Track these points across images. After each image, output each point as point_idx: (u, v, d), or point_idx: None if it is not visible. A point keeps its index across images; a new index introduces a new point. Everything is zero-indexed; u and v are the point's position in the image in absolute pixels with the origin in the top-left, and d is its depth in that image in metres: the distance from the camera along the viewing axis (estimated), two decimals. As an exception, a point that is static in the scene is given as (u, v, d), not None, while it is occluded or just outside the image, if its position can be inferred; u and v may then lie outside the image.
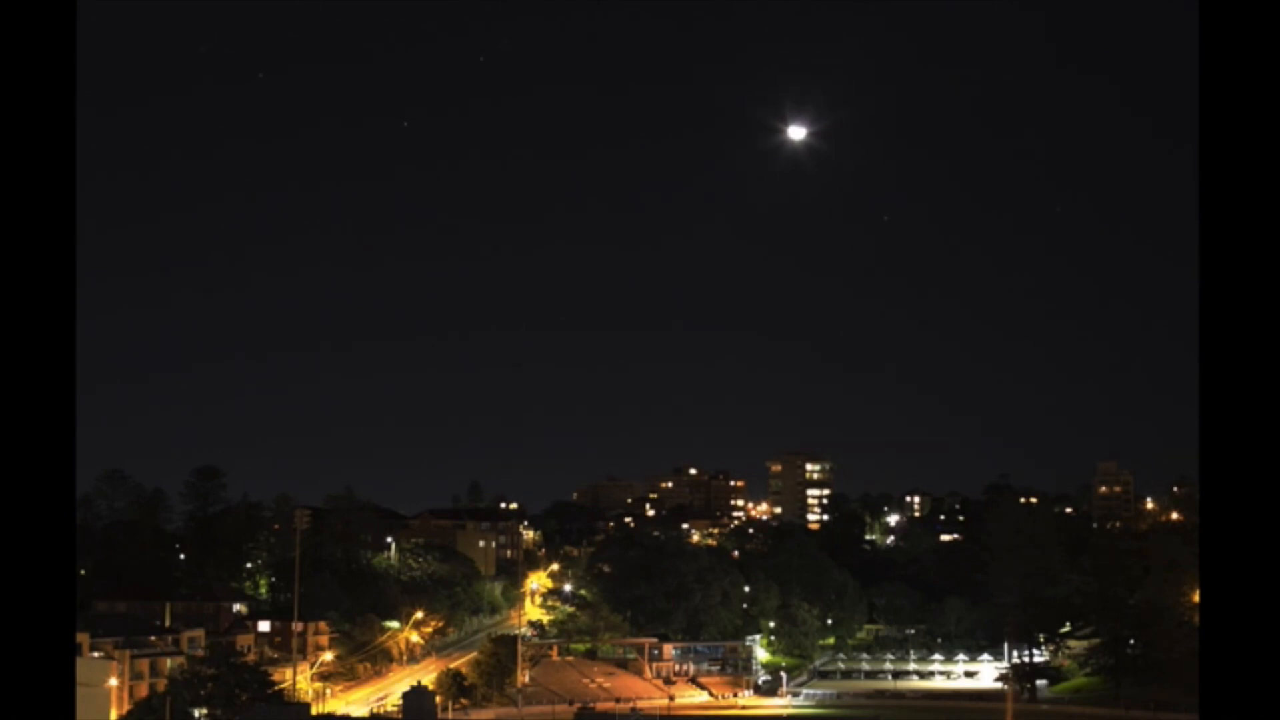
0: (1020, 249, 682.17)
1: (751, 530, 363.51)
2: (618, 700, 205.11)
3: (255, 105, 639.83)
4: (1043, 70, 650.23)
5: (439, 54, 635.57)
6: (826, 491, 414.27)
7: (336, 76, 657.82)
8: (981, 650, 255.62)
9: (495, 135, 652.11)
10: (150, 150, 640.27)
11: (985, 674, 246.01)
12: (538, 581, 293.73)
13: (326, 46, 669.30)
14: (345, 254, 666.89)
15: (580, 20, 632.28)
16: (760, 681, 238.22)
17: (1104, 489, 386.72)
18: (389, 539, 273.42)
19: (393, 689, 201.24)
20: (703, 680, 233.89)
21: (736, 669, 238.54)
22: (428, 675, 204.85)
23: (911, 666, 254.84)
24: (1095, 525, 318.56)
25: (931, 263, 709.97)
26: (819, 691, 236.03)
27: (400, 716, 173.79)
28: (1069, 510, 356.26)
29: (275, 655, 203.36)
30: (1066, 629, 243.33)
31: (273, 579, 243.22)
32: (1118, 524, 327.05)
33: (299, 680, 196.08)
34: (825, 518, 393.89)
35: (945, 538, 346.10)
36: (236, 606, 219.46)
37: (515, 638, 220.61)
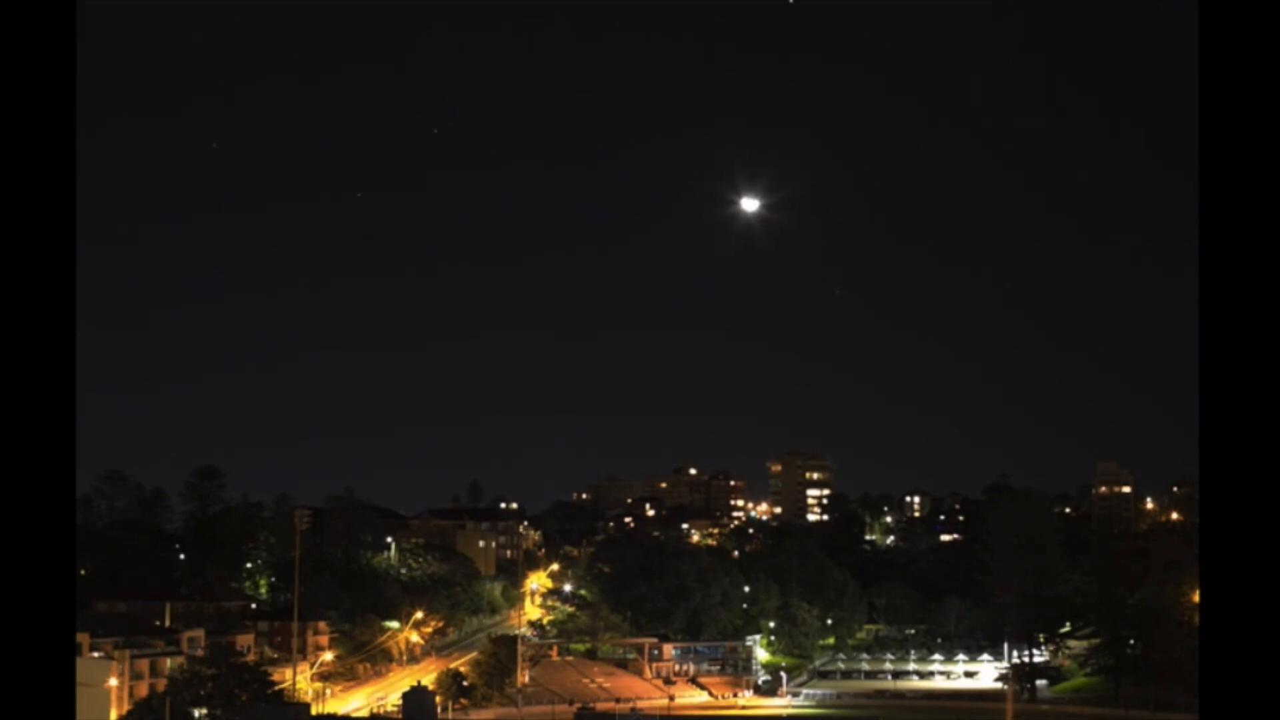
0: (1019, 252, 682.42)
1: (751, 530, 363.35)
2: (618, 700, 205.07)
3: (254, 109, 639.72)
4: (1018, 75, 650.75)
5: (435, 60, 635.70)
6: (826, 491, 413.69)
7: (328, 81, 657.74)
8: (981, 650, 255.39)
9: (495, 138, 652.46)
10: (149, 153, 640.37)
11: (985, 674, 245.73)
12: (538, 581, 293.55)
13: (323, 50, 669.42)
14: (345, 258, 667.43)
15: (581, 28, 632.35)
16: (760, 681, 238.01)
17: (1104, 489, 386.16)
18: (389, 539, 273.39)
19: (392, 689, 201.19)
20: (703, 680, 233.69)
21: (736, 669, 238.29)
22: (428, 675, 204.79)
23: (911, 666, 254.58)
24: (1095, 525, 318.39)
25: (930, 266, 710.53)
26: (819, 691, 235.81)
27: (400, 716, 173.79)
28: (1069, 510, 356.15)
29: (275, 655, 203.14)
30: (1066, 629, 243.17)
31: (273, 579, 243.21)
32: (1118, 524, 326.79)
33: (299, 680, 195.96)
34: (825, 518, 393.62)
35: (945, 538, 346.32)
36: (236, 606, 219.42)
37: (515, 638, 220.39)
